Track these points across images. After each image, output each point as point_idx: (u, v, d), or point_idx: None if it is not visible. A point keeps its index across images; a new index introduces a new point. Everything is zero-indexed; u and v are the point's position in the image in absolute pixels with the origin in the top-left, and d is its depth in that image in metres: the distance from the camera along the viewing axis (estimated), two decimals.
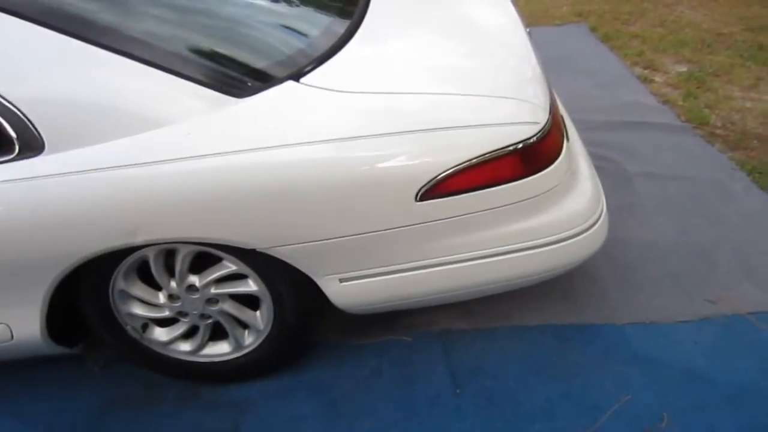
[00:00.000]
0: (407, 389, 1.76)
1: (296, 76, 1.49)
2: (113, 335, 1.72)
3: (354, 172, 1.41)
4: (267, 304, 1.67)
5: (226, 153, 1.39)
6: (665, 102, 3.15)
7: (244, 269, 1.59)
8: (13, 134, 1.38)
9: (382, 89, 1.51)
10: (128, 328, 1.71)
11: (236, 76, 1.46)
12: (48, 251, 1.46)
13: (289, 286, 1.61)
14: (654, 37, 3.98)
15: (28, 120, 1.37)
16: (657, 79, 3.43)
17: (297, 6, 1.81)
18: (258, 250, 1.49)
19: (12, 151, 1.39)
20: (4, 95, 1.35)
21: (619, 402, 1.65)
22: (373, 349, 1.90)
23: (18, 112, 1.36)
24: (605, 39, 3.99)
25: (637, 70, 3.54)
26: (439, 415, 1.68)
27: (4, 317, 1.60)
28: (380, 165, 1.42)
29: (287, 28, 1.70)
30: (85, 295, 1.62)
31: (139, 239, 1.45)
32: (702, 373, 1.71)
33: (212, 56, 1.50)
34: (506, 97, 1.52)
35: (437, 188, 1.44)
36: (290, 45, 1.60)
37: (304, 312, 1.68)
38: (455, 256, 1.54)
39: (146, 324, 1.75)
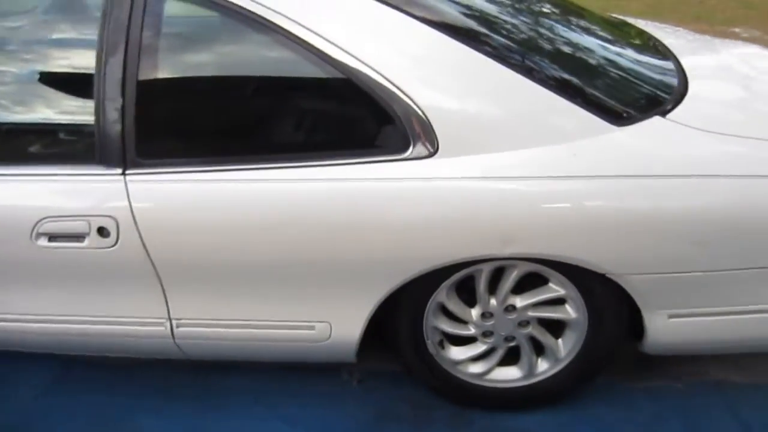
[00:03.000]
0: None
1: (662, 113, 1.55)
2: (412, 348, 1.71)
3: (722, 209, 1.45)
4: (578, 333, 1.66)
5: (608, 177, 1.43)
6: None
7: (572, 294, 1.60)
8: (411, 135, 1.44)
9: (734, 132, 1.54)
10: (428, 342, 1.71)
11: (615, 107, 1.51)
12: (410, 253, 1.49)
13: (614, 317, 1.61)
14: None
15: (430, 123, 1.43)
16: None
17: (633, 48, 1.89)
18: (608, 275, 1.51)
19: (405, 150, 1.44)
20: (412, 97, 1.42)
21: None
22: (643, 393, 1.87)
23: (423, 115, 1.43)
24: None
25: None
26: None
27: (328, 316, 1.61)
28: (746, 203, 1.46)
29: (638, 68, 1.77)
30: (406, 304, 1.63)
31: (507, 251, 1.47)
32: None
33: (596, 87, 1.57)
34: None
35: None
36: (648, 83, 1.67)
37: (615, 346, 1.68)
38: None
39: (441, 341, 1.75)
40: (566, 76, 1.54)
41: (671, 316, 1.57)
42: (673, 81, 1.68)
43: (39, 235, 1.54)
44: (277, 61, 1.50)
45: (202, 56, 1.56)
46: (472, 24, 1.57)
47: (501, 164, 1.43)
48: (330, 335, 1.62)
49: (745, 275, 1.51)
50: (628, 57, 1.77)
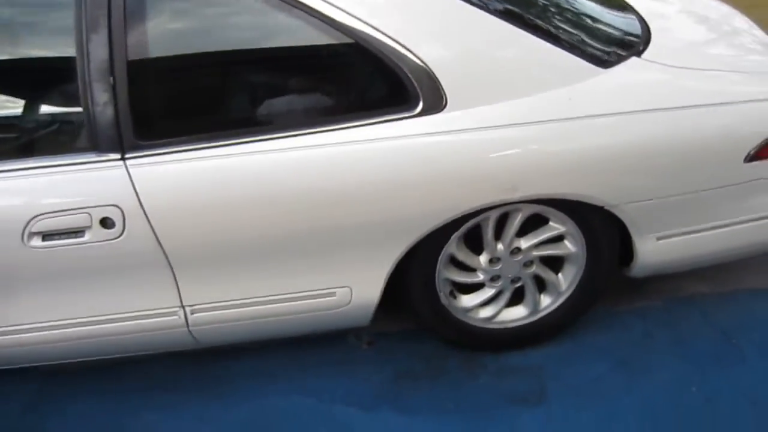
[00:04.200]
0: (685, 347, 1.90)
1: (637, 54, 1.66)
2: (427, 302, 1.76)
3: (701, 136, 1.59)
4: (576, 266, 1.77)
5: (603, 115, 1.53)
6: None
7: (572, 230, 1.70)
8: (420, 92, 1.46)
9: (701, 66, 1.70)
10: (441, 294, 1.76)
11: (599, 52, 1.61)
12: (427, 208, 1.53)
13: (609, 246, 1.73)
14: None
15: (437, 79, 1.45)
16: None
17: (598, 3, 1.97)
18: (606, 207, 1.62)
19: (416, 107, 1.47)
20: (418, 54, 1.44)
21: None
22: (631, 314, 2.03)
23: (429, 71, 1.45)
24: None
25: None
26: (725, 365, 1.82)
27: (349, 280, 1.62)
28: (724, 128, 1.60)
29: (609, 18, 1.85)
30: (420, 259, 1.66)
31: (517, 195, 1.54)
32: None
33: (580, 36, 1.65)
34: None
35: (761, 152, 1.64)
36: (621, 30, 1.78)
37: (610, 273, 1.81)
38: (761, 213, 1.74)
39: (452, 291, 1.81)
40: (553, 28, 1.62)
41: (659, 238, 1.71)
42: (638, 28, 1.81)
43: (31, 235, 1.42)
44: (280, 27, 1.46)
45: (197, 27, 1.48)
46: None
47: (506, 113, 1.49)
48: (351, 299, 1.64)
49: (715, 194, 1.67)
50: (597, 11, 1.87)
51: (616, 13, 1.91)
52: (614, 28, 1.78)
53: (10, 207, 1.43)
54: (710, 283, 2.12)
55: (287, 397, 1.85)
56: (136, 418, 1.82)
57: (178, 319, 1.59)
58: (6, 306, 1.53)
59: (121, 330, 1.58)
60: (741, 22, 2.10)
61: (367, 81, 1.52)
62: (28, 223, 1.41)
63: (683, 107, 1.58)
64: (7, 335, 1.55)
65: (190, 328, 1.62)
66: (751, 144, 1.61)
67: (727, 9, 2.18)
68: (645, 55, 1.66)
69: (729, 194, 1.68)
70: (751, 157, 1.62)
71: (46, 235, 1.43)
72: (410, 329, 2.02)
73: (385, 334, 2.03)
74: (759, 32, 2.06)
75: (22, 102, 1.51)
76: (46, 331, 1.55)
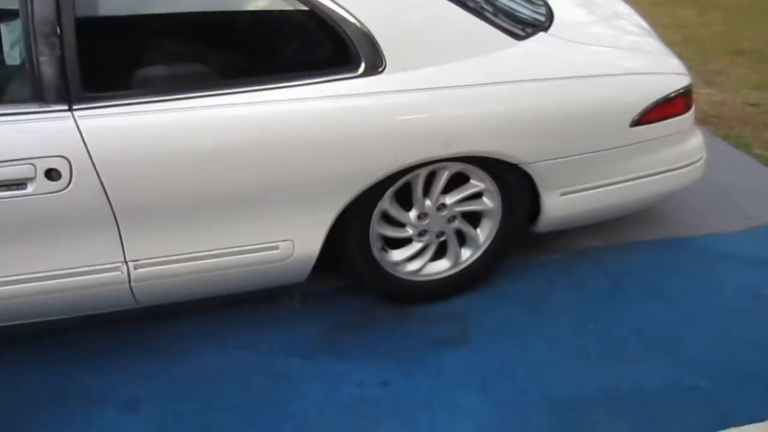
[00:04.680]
0: (581, 290, 2.17)
1: (545, 29, 1.89)
2: (361, 256, 1.88)
3: (595, 103, 1.85)
4: (493, 220, 1.98)
5: (520, 81, 1.75)
6: None
7: (490, 187, 1.90)
8: (362, 55, 1.57)
9: (597, 42, 1.96)
10: (373, 249, 1.89)
11: (514, 27, 1.82)
12: (367, 163, 1.66)
13: (521, 202, 1.95)
14: None
15: (378, 44, 1.57)
16: None
17: None
18: (520, 165, 1.83)
19: (358, 68, 1.58)
20: (358, 16, 1.54)
21: None
22: (536, 266, 2.28)
23: (371, 36, 1.56)
24: None
25: None
26: (615, 304, 2.11)
27: (292, 233, 1.70)
28: (614, 97, 1.87)
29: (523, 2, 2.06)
30: (354, 216, 1.79)
31: (450, 151, 1.71)
32: None
33: (499, 14, 1.84)
34: (671, 56, 2.07)
35: (643, 117, 1.92)
36: (532, 11, 2.00)
37: (521, 227, 2.02)
38: (644, 172, 2.02)
39: (383, 246, 1.94)
40: (478, 6, 1.79)
41: (562, 194, 1.96)
42: (545, 10, 2.05)
43: None
44: None
45: None
46: None
47: (438, 76, 1.66)
48: (293, 253, 1.73)
49: (607, 155, 1.94)
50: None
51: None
52: (526, 8, 2.00)
53: None
54: (600, 237, 2.43)
55: (227, 352, 1.91)
56: (70, 383, 1.80)
57: (120, 274, 1.60)
58: None
59: (61, 287, 1.56)
60: (622, 8, 2.43)
61: (315, 43, 1.61)
62: None
63: (579, 77, 1.82)
64: None
65: (132, 284, 1.63)
66: (635, 111, 1.89)
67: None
68: (551, 31, 1.90)
69: (619, 155, 1.95)
70: (635, 123, 1.91)
71: None
72: (338, 287, 2.16)
73: (315, 293, 2.14)
74: (637, 17, 2.40)
75: None
76: None
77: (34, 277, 1.53)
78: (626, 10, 2.41)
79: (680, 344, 1.95)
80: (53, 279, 1.55)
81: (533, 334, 1.98)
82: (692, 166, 2.15)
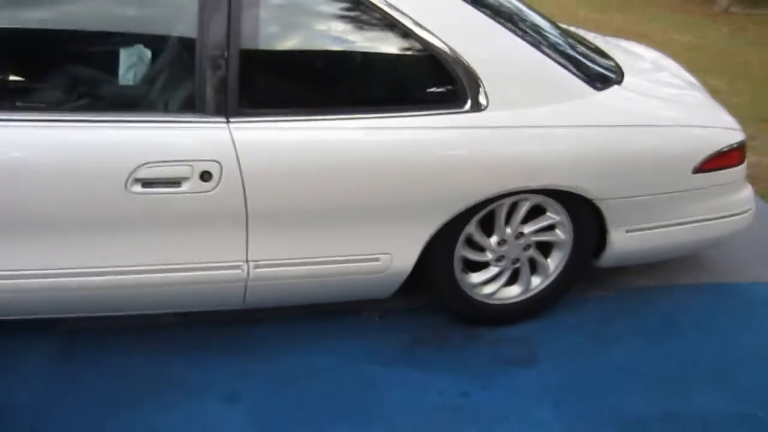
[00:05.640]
0: (638, 324, 2.32)
1: (618, 84, 2.13)
2: (445, 276, 2.06)
3: (664, 149, 2.06)
4: (563, 252, 2.16)
5: (602, 126, 1.98)
6: None
7: (564, 220, 2.09)
8: (468, 94, 1.80)
9: (665, 97, 2.21)
10: (456, 270, 2.06)
11: (594, 79, 2.05)
12: (463, 189, 1.86)
13: (590, 236, 2.13)
14: None
15: (482, 83, 1.80)
16: None
17: (584, 46, 2.42)
18: (594, 200, 2.02)
19: (464, 105, 1.81)
20: (466, 58, 1.78)
21: None
22: (593, 300, 2.43)
23: (477, 76, 1.80)
24: None
25: None
26: (670, 338, 2.25)
27: (391, 247, 1.89)
28: (680, 145, 2.09)
29: (594, 57, 2.30)
30: (443, 237, 1.97)
31: (534, 183, 1.91)
32: None
33: (582, 68, 2.08)
34: (726, 113, 2.30)
35: (704, 165, 2.12)
36: (605, 67, 2.24)
37: (587, 260, 2.20)
38: (701, 216, 2.22)
39: (463, 269, 2.11)
40: (565, 60, 2.03)
41: (628, 231, 2.15)
42: (613, 66, 2.29)
43: (134, 181, 1.58)
44: (369, 31, 1.77)
45: (302, 22, 1.76)
46: (506, 15, 2.02)
47: (532, 116, 1.88)
48: (390, 265, 1.91)
49: (671, 198, 2.13)
50: (586, 51, 2.33)
51: (601, 56, 2.40)
52: (601, 65, 2.24)
53: (121, 154, 1.60)
54: (653, 278, 2.59)
55: (314, 356, 2.07)
56: (171, 374, 1.95)
57: (241, 273, 1.78)
58: (104, 246, 1.66)
59: (183, 280, 1.74)
60: (675, 68, 2.69)
61: (432, 81, 1.86)
62: (135, 169, 1.58)
63: (652, 126, 2.06)
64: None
65: (249, 283, 1.81)
66: (697, 159, 2.10)
67: (658, 54, 2.80)
68: (623, 85, 2.13)
69: (681, 198, 2.15)
70: (696, 170, 2.11)
71: (146, 183, 1.60)
72: (414, 306, 2.32)
73: (393, 310, 2.30)
74: (684, 73, 2.66)
75: (147, 67, 1.70)
76: (123, 275, 1.69)
77: (164, 268, 1.72)
78: (675, 68, 2.69)
79: (735, 377, 2.09)
80: (183, 272, 1.74)
81: (597, 359, 2.13)
82: (743, 215, 2.35)
